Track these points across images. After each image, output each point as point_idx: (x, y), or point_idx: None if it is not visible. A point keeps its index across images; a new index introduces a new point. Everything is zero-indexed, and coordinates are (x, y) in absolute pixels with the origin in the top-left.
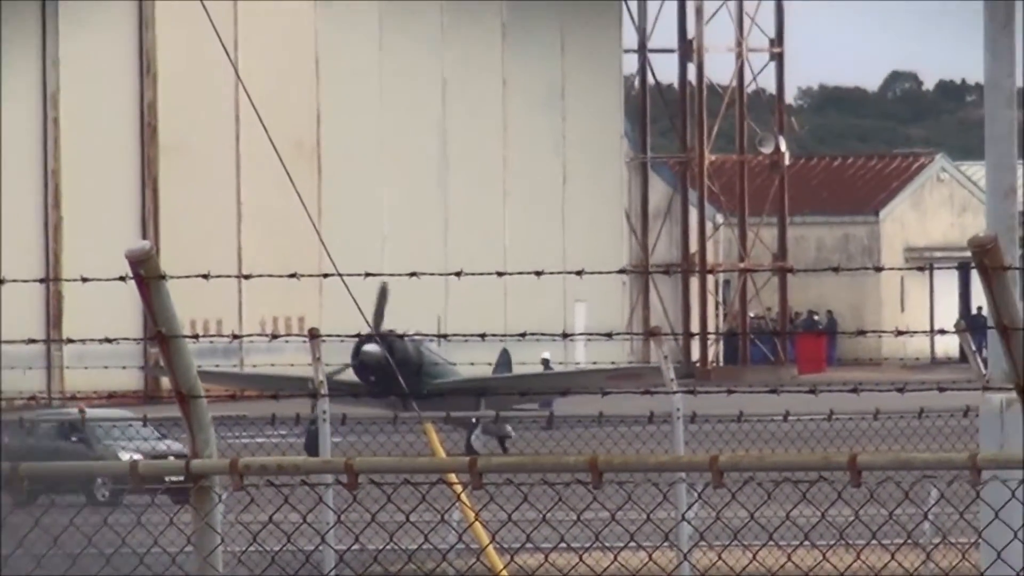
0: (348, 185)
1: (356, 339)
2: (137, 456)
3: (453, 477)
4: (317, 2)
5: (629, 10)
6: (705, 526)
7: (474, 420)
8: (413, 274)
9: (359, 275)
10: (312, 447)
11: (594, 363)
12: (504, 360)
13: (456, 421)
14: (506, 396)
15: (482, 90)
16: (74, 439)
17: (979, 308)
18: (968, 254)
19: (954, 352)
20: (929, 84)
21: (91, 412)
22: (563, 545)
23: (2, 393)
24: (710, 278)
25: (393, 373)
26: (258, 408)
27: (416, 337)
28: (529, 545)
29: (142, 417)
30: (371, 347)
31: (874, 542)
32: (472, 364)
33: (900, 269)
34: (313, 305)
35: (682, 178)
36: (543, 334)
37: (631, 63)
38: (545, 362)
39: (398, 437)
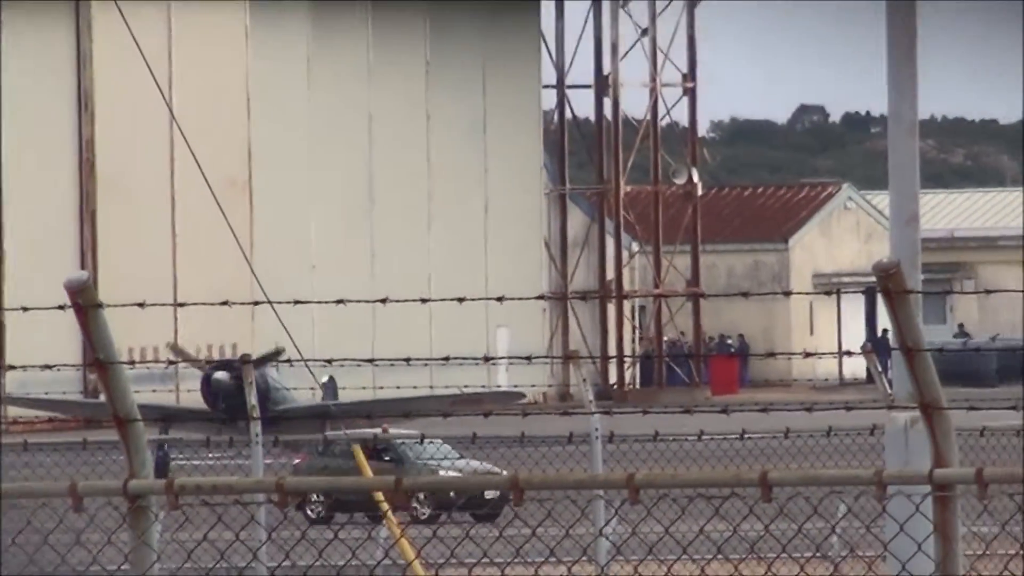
0: (278, 218)
1: (207, 368)
2: (454, 473)
3: (380, 496)
4: (249, 41)
5: (548, 47)
6: (622, 541)
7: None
8: (340, 301)
9: (288, 303)
10: (161, 471)
11: (465, 387)
12: (331, 387)
13: (289, 444)
14: (349, 420)
15: (407, 125)
16: (387, 458)
17: (884, 330)
18: (874, 279)
19: (861, 373)
20: (836, 116)
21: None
22: (486, 560)
23: None
24: (626, 304)
25: (241, 399)
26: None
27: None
28: (453, 560)
29: (442, 437)
30: (221, 374)
31: (784, 555)
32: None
33: (808, 294)
34: (246, 332)
35: (599, 208)
36: (465, 358)
37: (550, 98)
38: (330, 380)
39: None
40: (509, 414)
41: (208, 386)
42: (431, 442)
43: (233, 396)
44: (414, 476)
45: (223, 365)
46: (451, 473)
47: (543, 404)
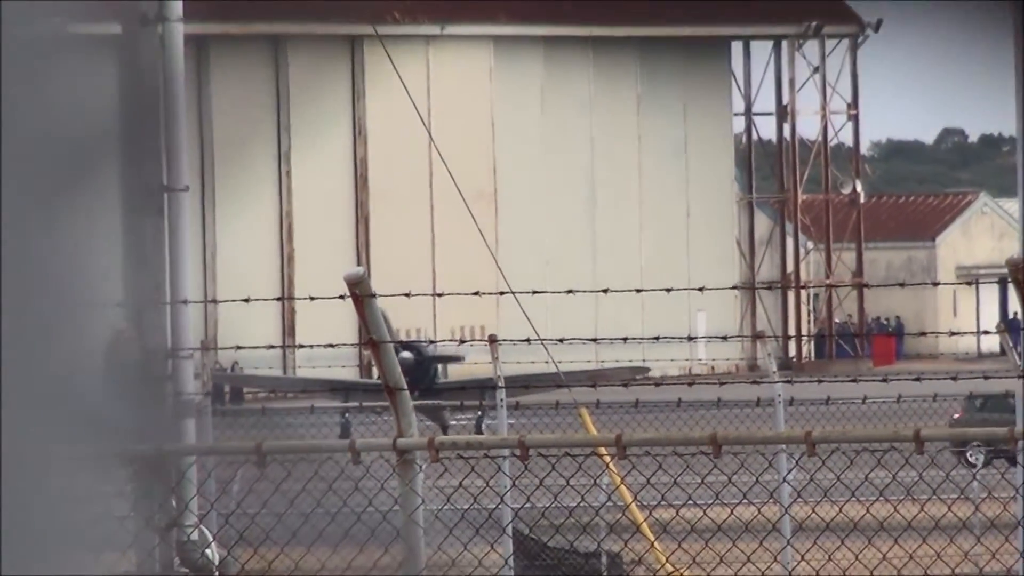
0: (518, 222)
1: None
2: None
3: (603, 450)
4: (493, 76)
5: (737, 82)
6: (801, 486)
7: (479, 412)
8: (569, 291)
9: (527, 292)
10: (345, 434)
11: (643, 360)
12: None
13: (429, 412)
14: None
15: (622, 146)
16: None
17: (1015, 313)
18: (1006, 271)
19: (995, 348)
20: (974, 137)
21: None
22: (690, 502)
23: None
24: (803, 292)
25: (421, 374)
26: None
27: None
28: (663, 502)
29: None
30: (406, 354)
31: (934, 497)
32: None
33: (952, 284)
34: (491, 316)
35: (780, 213)
36: (673, 337)
37: (739, 123)
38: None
39: (536, 419)
40: (636, 384)
41: None
42: None
43: (412, 372)
44: None
45: (407, 346)
46: None
47: (735, 374)
